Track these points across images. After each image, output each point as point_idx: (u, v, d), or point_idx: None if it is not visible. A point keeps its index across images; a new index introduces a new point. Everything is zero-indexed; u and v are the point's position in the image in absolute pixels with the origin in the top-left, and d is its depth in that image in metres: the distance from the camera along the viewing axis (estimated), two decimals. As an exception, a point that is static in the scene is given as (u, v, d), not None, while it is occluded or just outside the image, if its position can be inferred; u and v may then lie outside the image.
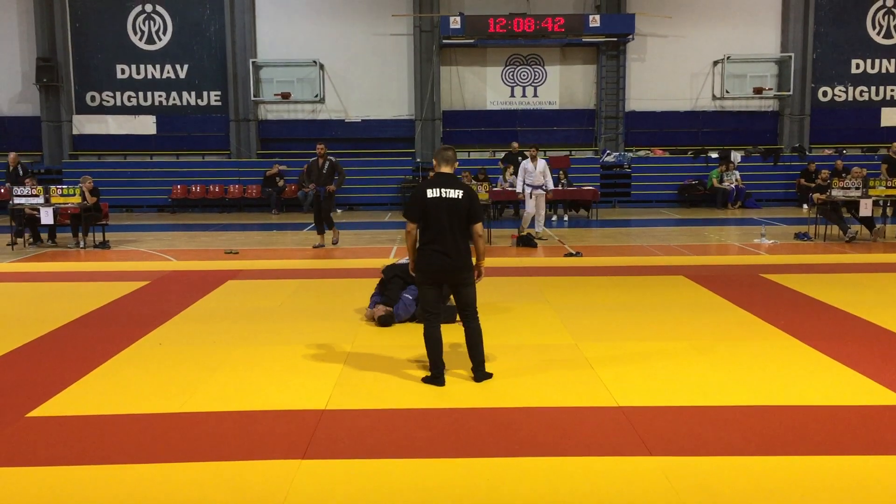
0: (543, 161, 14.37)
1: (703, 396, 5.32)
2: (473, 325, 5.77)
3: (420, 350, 6.41)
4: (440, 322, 5.76)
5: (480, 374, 5.72)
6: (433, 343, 5.66)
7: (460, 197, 5.56)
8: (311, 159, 13.59)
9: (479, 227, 5.69)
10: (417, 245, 5.73)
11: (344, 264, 11.40)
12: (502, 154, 19.69)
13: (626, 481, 4.02)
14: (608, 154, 21.39)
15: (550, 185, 14.15)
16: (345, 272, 10.51)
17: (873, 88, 22.00)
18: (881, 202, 14.04)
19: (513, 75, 21.94)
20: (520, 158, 18.73)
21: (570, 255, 11.92)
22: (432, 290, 5.72)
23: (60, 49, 21.31)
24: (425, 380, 5.69)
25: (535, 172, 14.04)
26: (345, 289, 9.23)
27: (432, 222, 5.57)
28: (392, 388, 5.60)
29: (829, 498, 3.84)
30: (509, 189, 18.05)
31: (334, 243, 13.16)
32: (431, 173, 5.89)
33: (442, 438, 4.61)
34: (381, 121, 21.78)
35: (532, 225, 14.20)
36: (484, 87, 22.00)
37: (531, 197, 14.05)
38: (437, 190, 5.57)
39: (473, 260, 5.79)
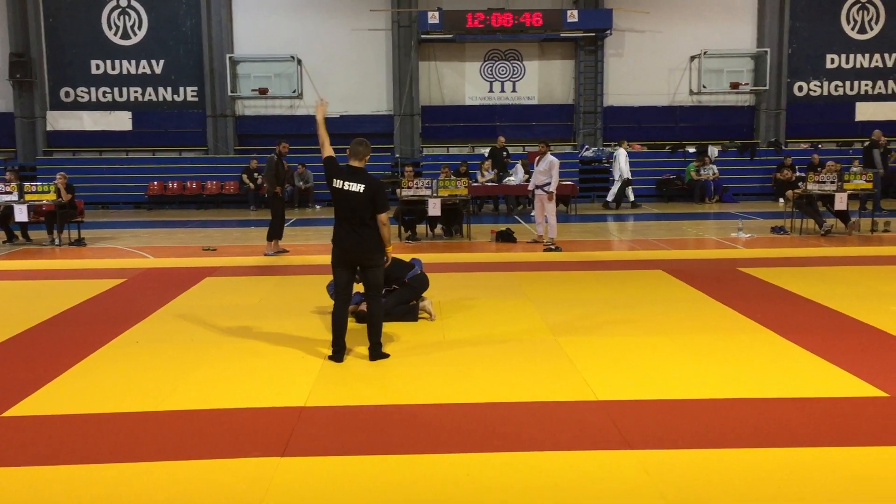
0: (547, 158, 12.41)
1: (681, 390, 5.35)
2: (374, 307, 6.18)
3: (400, 346, 6.42)
4: (347, 305, 6.26)
5: (375, 353, 6.13)
6: (338, 323, 6.12)
7: (362, 190, 5.99)
8: (269, 155, 12.50)
9: (383, 216, 6.11)
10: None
11: (323, 260, 11.30)
12: (486, 150, 19.72)
13: (606, 475, 4.03)
14: (587, 149, 21.46)
15: (551, 186, 12.31)
16: (324, 269, 10.43)
17: (848, 83, 22.23)
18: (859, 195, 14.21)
19: (491, 70, 21.93)
20: (504, 154, 18.84)
21: (550, 249, 11.96)
22: (344, 273, 6.16)
23: (34, 44, 20.99)
24: (329, 357, 6.10)
25: (536, 172, 12.62)
26: (324, 285, 9.16)
27: (338, 211, 6.11)
28: (372, 384, 5.59)
29: (807, 489, 3.87)
30: (489, 185, 18.11)
31: (277, 253, 11.96)
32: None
33: (422, 434, 4.60)
34: (360, 116, 21.67)
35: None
36: (462, 82, 21.98)
37: (533, 197, 12.93)
38: (342, 183, 6.03)
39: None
